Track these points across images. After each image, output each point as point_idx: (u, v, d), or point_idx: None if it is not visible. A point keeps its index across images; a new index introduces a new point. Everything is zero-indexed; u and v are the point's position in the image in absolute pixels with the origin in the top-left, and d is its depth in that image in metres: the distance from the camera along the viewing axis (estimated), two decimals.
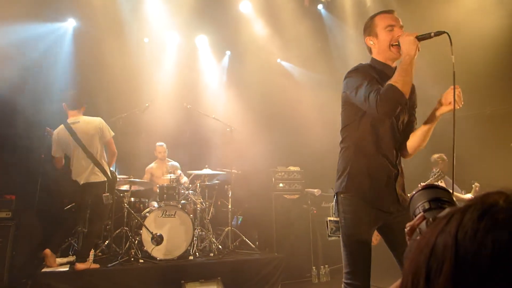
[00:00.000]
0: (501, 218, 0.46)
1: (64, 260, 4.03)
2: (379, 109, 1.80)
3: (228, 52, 7.02)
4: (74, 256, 4.05)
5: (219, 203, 5.44)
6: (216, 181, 5.42)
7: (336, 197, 2.01)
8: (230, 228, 4.93)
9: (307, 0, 6.02)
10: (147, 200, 5.13)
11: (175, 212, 4.47)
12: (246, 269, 4.30)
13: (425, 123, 1.99)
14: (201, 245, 4.71)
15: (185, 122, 5.98)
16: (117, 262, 3.97)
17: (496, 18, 4.81)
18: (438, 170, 4.07)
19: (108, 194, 3.94)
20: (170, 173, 5.07)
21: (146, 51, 6.18)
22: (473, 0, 5.05)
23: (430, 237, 0.50)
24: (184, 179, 5.54)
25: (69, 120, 4.09)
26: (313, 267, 4.88)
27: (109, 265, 3.90)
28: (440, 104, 1.91)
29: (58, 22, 5.57)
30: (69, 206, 4.36)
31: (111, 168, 4.30)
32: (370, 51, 2.11)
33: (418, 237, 0.95)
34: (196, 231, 4.60)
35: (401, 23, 2.01)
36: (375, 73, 1.98)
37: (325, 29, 6.41)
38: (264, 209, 5.16)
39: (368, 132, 1.97)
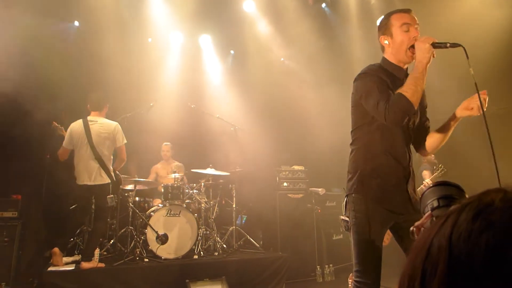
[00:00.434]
0: (494, 218, 0.44)
1: (70, 259, 4.07)
2: (387, 118, 1.80)
3: (232, 52, 7.02)
4: (80, 255, 4.08)
5: (223, 202, 5.44)
6: (221, 181, 5.42)
7: (347, 197, 2.00)
8: (234, 227, 4.94)
9: None
10: (151, 200, 5.15)
11: (180, 211, 4.49)
12: (251, 268, 4.31)
13: (445, 125, 2.01)
14: (205, 244, 4.71)
15: (189, 122, 6.00)
16: (122, 261, 3.98)
17: (509, 8, 4.70)
18: (440, 165, 4.02)
19: (112, 196, 3.97)
20: (175, 172, 5.08)
21: (150, 51, 6.20)
22: None
23: (426, 238, 0.49)
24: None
25: (89, 118, 4.17)
26: (318, 266, 4.87)
27: (115, 264, 3.92)
28: (464, 108, 1.91)
29: (63, 22, 5.61)
30: (74, 205, 4.39)
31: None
32: (383, 50, 2.08)
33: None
34: (200, 230, 4.61)
35: (417, 22, 1.97)
36: (385, 76, 1.95)
37: (329, 28, 6.38)
38: (268, 208, 5.15)
39: (379, 135, 1.96)
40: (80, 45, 5.65)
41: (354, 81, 2.02)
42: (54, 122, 4.32)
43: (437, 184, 1.01)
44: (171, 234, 4.30)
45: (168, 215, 4.43)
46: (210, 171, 5.00)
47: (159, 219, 4.36)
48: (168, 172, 5.45)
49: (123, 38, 5.67)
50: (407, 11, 2.00)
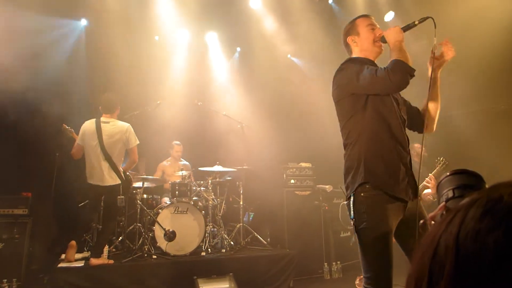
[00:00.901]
0: (503, 216, 0.42)
1: (79, 255, 4.11)
2: (392, 78, 1.75)
3: (238, 49, 7.01)
4: (89, 252, 4.13)
5: (230, 199, 5.46)
6: (228, 178, 5.43)
7: (354, 197, 1.82)
8: (241, 224, 4.94)
9: None
10: (159, 197, 5.18)
11: (187, 208, 4.51)
12: (258, 266, 4.31)
13: (432, 86, 1.99)
14: (213, 241, 4.73)
15: (196, 119, 6.01)
16: (131, 258, 4.02)
17: None
18: (442, 158, 3.95)
19: (122, 197, 3.99)
20: (182, 170, 5.11)
21: (157, 49, 6.22)
22: None
23: (434, 236, 0.47)
24: None
25: (102, 119, 4.19)
26: (325, 264, 4.87)
27: (123, 260, 3.97)
28: (434, 60, 1.94)
29: (70, 20, 5.65)
30: (83, 203, 4.44)
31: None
32: (350, 52, 2.11)
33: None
34: (208, 227, 4.63)
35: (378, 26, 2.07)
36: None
37: (336, 24, 6.33)
38: (276, 205, 5.15)
39: (376, 119, 1.87)
40: (87, 43, 5.70)
41: (334, 77, 2.03)
42: (64, 125, 4.35)
43: (455, 173, 0.94)
44: (179, 231, 4.32)
45: (176, 212, 4.46)
46: (217, 168, 5.01)
47: (167, 216, 4.39)
48: (175, 171, 5.48)
49: (130, 36, 5.70)
50: (369, 16, 2.11)
